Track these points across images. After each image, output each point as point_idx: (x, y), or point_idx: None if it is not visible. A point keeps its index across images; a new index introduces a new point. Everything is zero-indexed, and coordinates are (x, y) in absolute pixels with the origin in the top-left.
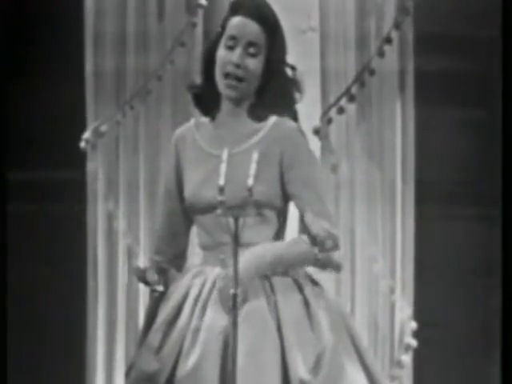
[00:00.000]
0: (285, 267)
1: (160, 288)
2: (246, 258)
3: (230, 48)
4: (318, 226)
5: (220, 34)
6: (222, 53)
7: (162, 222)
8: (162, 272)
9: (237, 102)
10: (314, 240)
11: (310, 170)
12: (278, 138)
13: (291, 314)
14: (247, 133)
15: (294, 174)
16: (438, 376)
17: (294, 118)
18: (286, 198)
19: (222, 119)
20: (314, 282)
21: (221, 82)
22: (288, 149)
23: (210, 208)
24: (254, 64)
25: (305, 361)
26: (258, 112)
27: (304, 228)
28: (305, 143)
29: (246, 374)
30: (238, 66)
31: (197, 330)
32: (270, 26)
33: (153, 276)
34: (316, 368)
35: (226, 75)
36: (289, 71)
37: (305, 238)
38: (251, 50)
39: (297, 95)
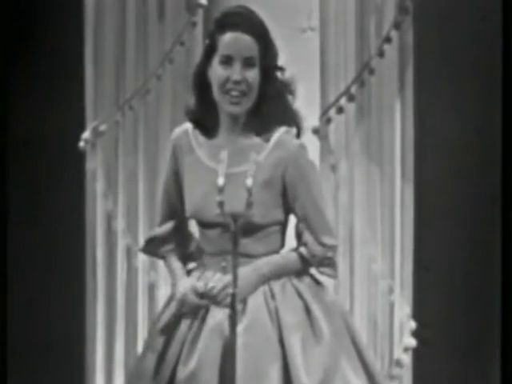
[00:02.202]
0: (280, 278)
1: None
2: (245, 272)
3: (227, 65)
4: (316, 246)
5: (209, 52)
6: (219, 71)
7: (162, 218)
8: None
9: (237, 117)
10: (313, 258)
11: (312, 188)
12: (280, 157)
13: (292, 322)
14: (248, 150)
15: (296, 194)
16: (437, 375)
17: (297, 125)
18: (288, 210)
19: (220, 133)
20: (314, 281)
21: (223, 100)
22: (290, 168)
23: (213, 224)
24: (253, 76)
25: (308, 369)
26: (258, 124)
27: (300, 240)
28: (307, 161)
29: (248, 383)
30: (238, 82)
31: (196, 337)
32: (261, 36)
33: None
34: (323, 378)
35: (227, 92)
36: (279, 74)
37: (302, 250)
38: (248, 63)
39: (291, 98)
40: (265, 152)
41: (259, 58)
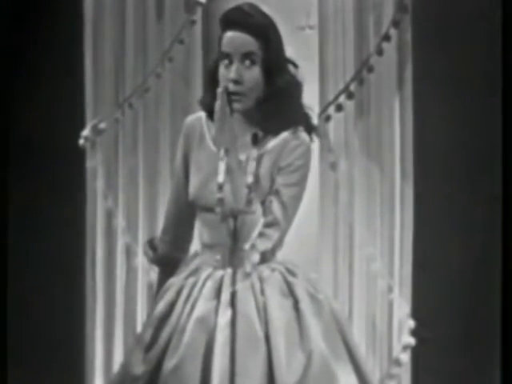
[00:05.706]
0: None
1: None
2: None
3: (227, 65)
4: (261, 242)
5: (218, 50)
6: (221, 71)
7: (169, 206)
8: (153, 248)
9: (244, 111)
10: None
11: (291, 189)
12: (283, 149)
13: (280, 319)
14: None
15: (277, 182)
16: (436, 374)
17: (308, 124)
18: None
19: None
20: (309, 281)
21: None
22: (285, 157)
23: (211, 208)
24: (252, 74)
25: (291, 367)
26: (264, 120)
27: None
28: (304, 159)
29: (230, 378)
30: (236, 81)
31: (183, 331)
32: (262, 32)
33: (146, 250)
34: (303, 374)
35: (228, 93)
36: (291, 70)
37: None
38: (247, 62)
39: (300, 96)
40: (271, 143)
41: (261, 54)
